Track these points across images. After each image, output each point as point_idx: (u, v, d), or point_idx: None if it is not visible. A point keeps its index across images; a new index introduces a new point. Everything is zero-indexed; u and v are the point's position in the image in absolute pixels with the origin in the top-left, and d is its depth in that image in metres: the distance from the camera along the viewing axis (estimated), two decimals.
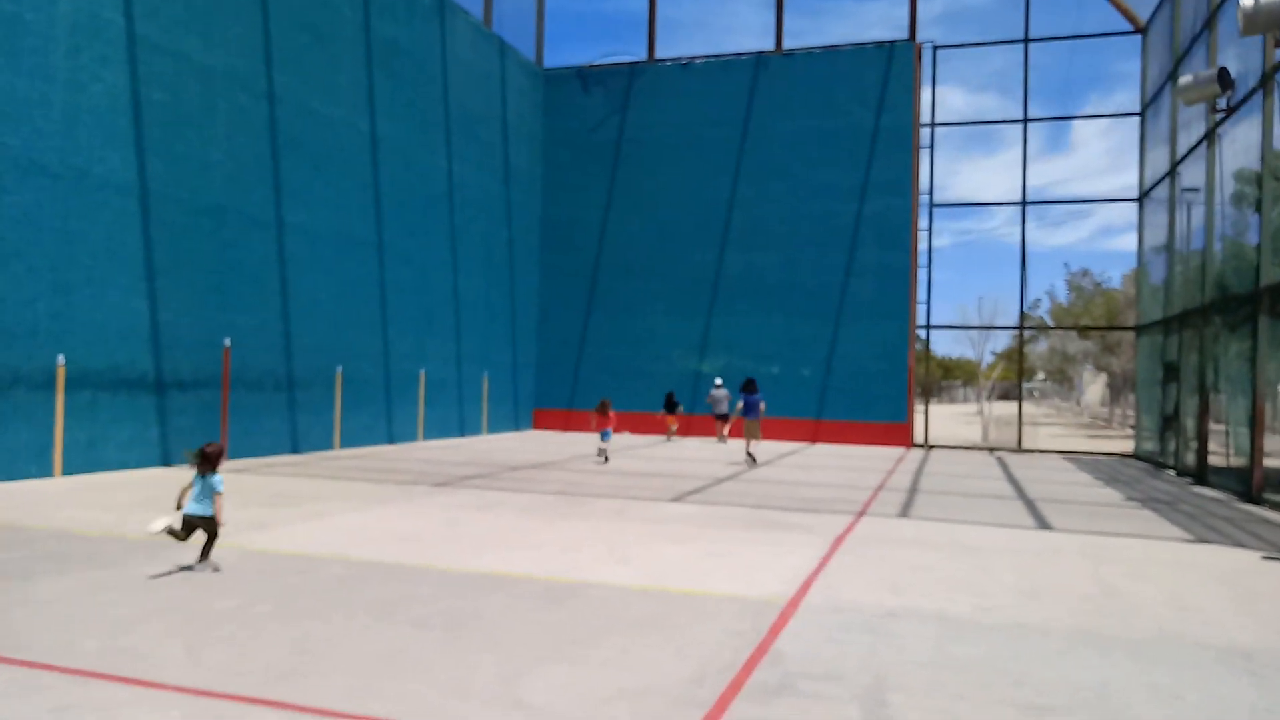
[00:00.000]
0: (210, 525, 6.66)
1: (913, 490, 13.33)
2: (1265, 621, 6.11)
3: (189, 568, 6.70)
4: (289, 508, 9.81)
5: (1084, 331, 36.54)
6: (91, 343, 12.45)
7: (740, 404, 16.88)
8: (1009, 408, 53.52)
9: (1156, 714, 4.29)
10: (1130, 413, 43.54)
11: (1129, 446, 26.29)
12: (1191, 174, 17.36)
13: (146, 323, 13.34)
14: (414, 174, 19.82)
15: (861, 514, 10.67)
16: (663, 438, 23.38)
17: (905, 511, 10.99)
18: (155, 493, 10.59)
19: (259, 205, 15.47)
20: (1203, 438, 15.67)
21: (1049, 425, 41.06)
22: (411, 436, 19.79)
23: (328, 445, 17.12)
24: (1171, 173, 18.36)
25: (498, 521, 9.33)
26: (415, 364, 19.91)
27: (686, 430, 23.96)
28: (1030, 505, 11.99)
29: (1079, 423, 48.33)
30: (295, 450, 16.25)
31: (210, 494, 6.67)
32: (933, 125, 22.84)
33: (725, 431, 22.65)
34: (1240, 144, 14.09)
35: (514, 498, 11.22)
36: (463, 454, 17.38)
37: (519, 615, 5.72)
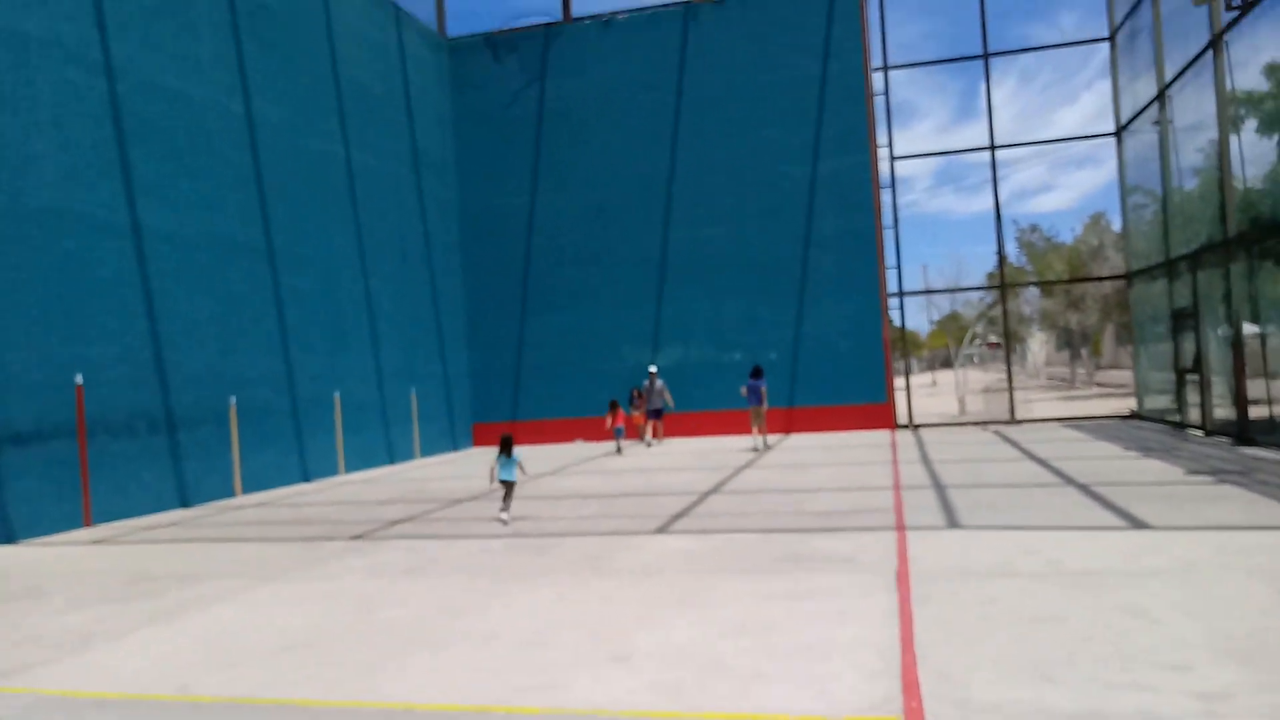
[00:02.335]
0: (512, 486, 9.90)
1: (938, 485, 11.06)
2: None
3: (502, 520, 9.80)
4: (142, 600, 7.08)
5: (1048, 287, 34.92)
6: None
7: (744, 390, 17.78)
8: (962, 376, 52.11)
9: None
10: (1082, 370, 42.35)
11: (1118, 406, 24.63)
12: (1188, 96, 15.46)
13: None
14: (304, 164, 16.95)
15: (901, 528, 8.33)
16: (638, 441, 20.74)
17: (953, 519, 8.69)
18: None
19: (106, 207, 12.53)
20: (1241, 391, 13.74)
21: (1003, 391, 39.47)
22: (331, 471, 16.95)
23: (227, 493, 14.24)
24: (1160, 97, 16.46)
25: (430, 594, 6.74)
26: (328, 386, 17.07)
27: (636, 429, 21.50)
28: (1090, 493, 9.80)
29: (1038, 384, 47.15)
30: (185, 504, 13.36)
31: (514, 465, 9.87)
32: (885, 69, 20.68)
33: (654, 433, 20.09)
34: (1266, 47, 12.13)
35: (453, 549, 8.63)
36: (391, 487, 14.66)
37: None
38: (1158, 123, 17.14)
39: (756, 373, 17.84)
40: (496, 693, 4.50)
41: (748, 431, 20.41)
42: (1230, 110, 15.03)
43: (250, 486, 14.70)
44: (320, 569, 7.97)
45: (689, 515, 9.90)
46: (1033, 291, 38.05)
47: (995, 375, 64.13)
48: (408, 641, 5.51)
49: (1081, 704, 3.94)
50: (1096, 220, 33.11)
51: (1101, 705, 3.92)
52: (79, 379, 11.79)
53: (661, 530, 9.02)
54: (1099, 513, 8.58)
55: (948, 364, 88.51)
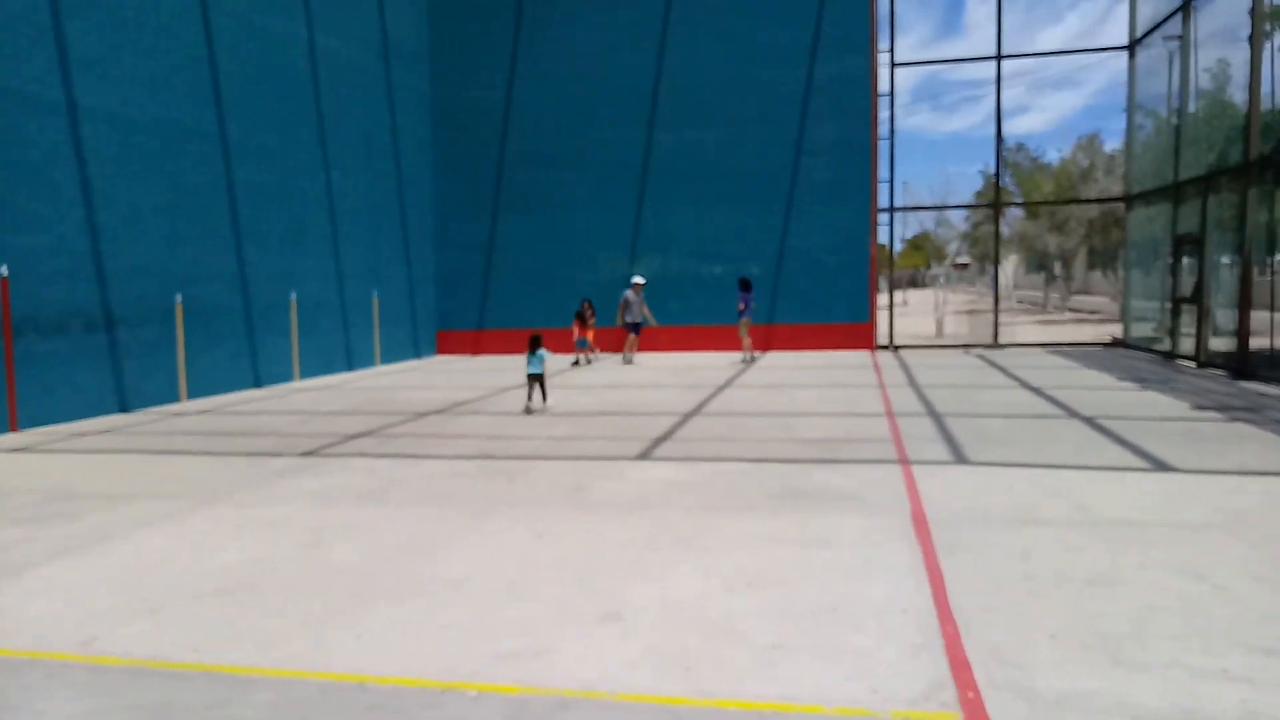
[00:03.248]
0: (542, 379, 11.29)
1: (934, 414, 10.44)
2: None
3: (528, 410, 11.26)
4: (58, 523, 6.25)
5: (1033, 208, 34.13)
6: None
7: (740, 304, 17.58)
8: (941, 297, 51.81)
9: None
10: (1055, 294, 42.10)
11: (1098, 332, 24.26)
12: (1216, 8, 14.51)
13: None
14: (263, 45, 15.51)
15: (905, 461, 7.68)
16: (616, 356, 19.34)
17: (959, 453, 8.05)
18: None
19: (37, 81, 11.22)
20: (1244, 324, 13.19)
21: (983, 313, 39.08)
22: (286, 376, 16.02)
23: (171, 397, 13.30)
24: (1185, 7, 15.46)
25: (390, 526, 5.98)
26: (284, 286, 16.00)
27: (610, 344, 20.73)
28: (1097, 427, 9.22)
29: (1009, 307, 46.87)
30: (124, 408, 12.42)
31: (540, 361, 11.16)
32: None
33: (632, 348, 18.30)
34: None
35: (414, 470, 7.86)
36: (349, 396, 13.81)
37: None
38: (1179, 38, 16.22)
39: (748, 285, 17.58)
40: (468, 660, 3.77)
41: (724, 348, 19.87)
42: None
43: (196, 391, 13.77)
44: (266, 491, 7.17)
45: (672, 439, 9.19)
46: (1013, 212, 37.29)
47: (963, 296, 63.92)
48: (362, 587, 4.76)
49: (1171, 698, 3.29)
50: (1091, 141, 32.27)
51: (1196, 702, 3.27)
52: (3, 270, 10.69)
53: (644, 456, 8.31)
54: (1114, 450, 7.99)
55: (913, 284, 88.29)
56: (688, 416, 10.72)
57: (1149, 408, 10.54)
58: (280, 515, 6.35)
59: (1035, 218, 34.16)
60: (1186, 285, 15.50)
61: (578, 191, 20.74)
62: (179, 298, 13.45)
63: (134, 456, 8.94)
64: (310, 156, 16.79)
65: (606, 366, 17.74)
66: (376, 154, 19.07)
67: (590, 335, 18.54)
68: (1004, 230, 41.53)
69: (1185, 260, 15.62)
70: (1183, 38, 15.55)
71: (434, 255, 21.58)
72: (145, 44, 12.90)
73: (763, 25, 19.63)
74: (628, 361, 18.31)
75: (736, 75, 19.80)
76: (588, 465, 7.89)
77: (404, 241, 20.20)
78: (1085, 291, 55.42)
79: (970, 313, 27.24)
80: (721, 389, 13.42)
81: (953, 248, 48.52)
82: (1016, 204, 32.85)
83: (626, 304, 18.42)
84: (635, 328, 18.43)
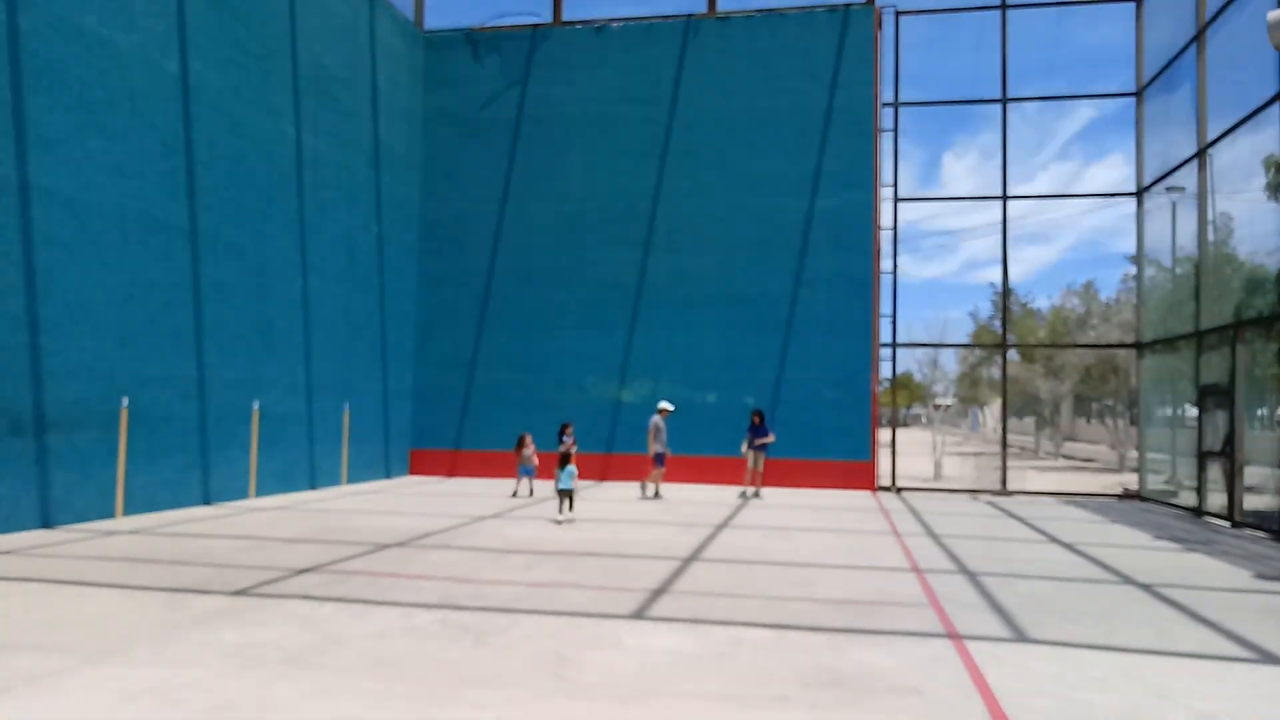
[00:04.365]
0: (572, 493, 12.41)
1: (966, 572, 9.17)
2: None
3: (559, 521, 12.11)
4: None
5: (1028, 351, 33.57)
6: None
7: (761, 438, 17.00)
8: (914, 436, 50.79)
9: None
10: (1048, 443, 41.31)
11: (1105, 482, 23.23)
12: (1238, 154, 14.10)
13: None
14: (246, 140, 14.77)
15: (955, 636, 6.40)
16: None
17: (1015, 627, 6.77)
18: None
19: None
20: None
21: (986, 456, 38.04)
22: (240, 493, 14.57)
23: (105, 512, 11.84)
24: (1201, 154, 15.07)
25: (317, 711, 4.61)
26: (246, 394, 14.74)
27: (605, 472, 19.43)
28: (1162, 598, 7.99)
29: (997, 451, 45.93)
30: (46, 523, 10.96)
31: (570, 476, 12.32)
32: (896, 105, 19.18)
33: (657, 478, 16.28)
34: None
35: (364, 622, 6.49)
36: (305, 520, 12.38)
37: None
38: (1178, 188, 15.96)
39: (763, 417, 17.29)
40: None
41: (716, 480, 18.76)
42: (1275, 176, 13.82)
43: (135, 508, 12.31)
44: (175, 645, 5.77)
45: (672, 592, 7.86)
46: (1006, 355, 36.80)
47: (951, 438, 63.07)
48: None
49: None
50: (1086, 288, 32.15)
51: None
52: None
53: (641, 614, 6.97)
54: (1199, 632, 6.75)
55: (895, 423, 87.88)
56: (687, 562, 9.40)
57: (1205, 575, 9.34)
58: (181, 683, 4.96)
59: (1031, 361, 33.60)
60: (1214, 438, 14.53)
61: (567, 311, 19.86)
62: (125, 401, 12.17)
63: (36, 587, 7.51)
64: (287, 259, 15.85)
65: (594, 497, 16.38)
66: (359, 261, 18.17)
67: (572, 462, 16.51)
68: (997, 373, 41.02)
69: (1213, 412, 14.70)
70: (1199, 186, 15.08)
71: (413, 370, 20.46)
72: (116, 127, 12.06)
73: (764, 155, 19.23)
74: (646, 496, 16.38)
75: (735, 203, 19.27)
76: (574, 624, 6.55)
77: (382, 353, 19.10)
78: (1072, 438, 54.75)
79: (973, 455, 26.21)
80: (720, 529, 12.12)
81: (938, 388, 47.86)
82: (1025, 345, 32.30)
83: (657, 430, 16.37)
84: (660, 458, 16.38)
